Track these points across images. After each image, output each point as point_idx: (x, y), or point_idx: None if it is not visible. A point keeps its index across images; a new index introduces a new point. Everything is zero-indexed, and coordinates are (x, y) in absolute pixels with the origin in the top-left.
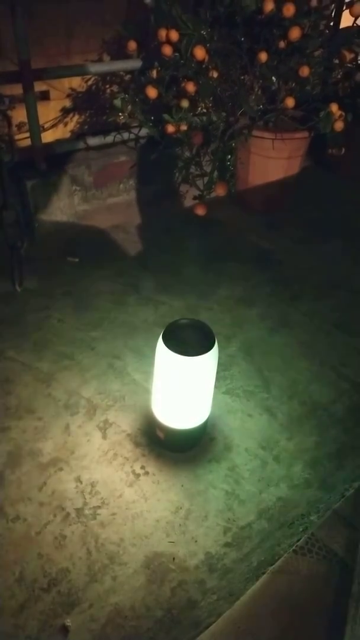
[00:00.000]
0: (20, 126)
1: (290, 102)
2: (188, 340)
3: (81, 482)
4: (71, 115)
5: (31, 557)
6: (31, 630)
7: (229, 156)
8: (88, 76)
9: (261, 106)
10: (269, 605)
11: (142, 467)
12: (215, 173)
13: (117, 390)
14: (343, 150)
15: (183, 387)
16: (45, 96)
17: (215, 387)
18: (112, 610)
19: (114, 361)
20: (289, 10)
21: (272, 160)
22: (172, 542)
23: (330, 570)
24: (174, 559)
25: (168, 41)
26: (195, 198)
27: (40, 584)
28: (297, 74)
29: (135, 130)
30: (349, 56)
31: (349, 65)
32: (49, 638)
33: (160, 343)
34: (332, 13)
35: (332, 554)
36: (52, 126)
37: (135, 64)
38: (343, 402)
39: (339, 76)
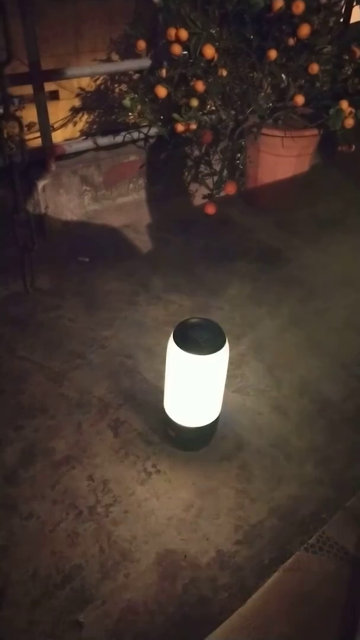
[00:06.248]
0: (30, 126)
1: (299, 99)
2: (199, 339)
3: (93, 481)
4: (80, 115)
5: (45, 554)
6: (45, 626)
7: (239, 155)
8: (97, 76)
9: (270, 104)
10: (280, 602)
11: (154, 466)
12: (225, 172)
13: (128, 389)
14: (353, 147)
15: (194, 386)
16: (54, 96)
17: (226, 385)
18: (125, 606)
19: (125, 360)
20: (299, 7)
21: (282, 158)
22: (184, 539)
23: (342, 568)
24: (185, 556)
25: (177, 40)
26: (204, 197)
27: (54, 580)
28: (306, 71)
29: (145, 130)
30: (358, 52)
31: (359, 61)
32: (63, 634)
33: (171, 342)
34: (342, 9)
35: (343, 552)
36: (62, 126)
37: (144, 63)
38: (354, 401)
39: (349, 73)
